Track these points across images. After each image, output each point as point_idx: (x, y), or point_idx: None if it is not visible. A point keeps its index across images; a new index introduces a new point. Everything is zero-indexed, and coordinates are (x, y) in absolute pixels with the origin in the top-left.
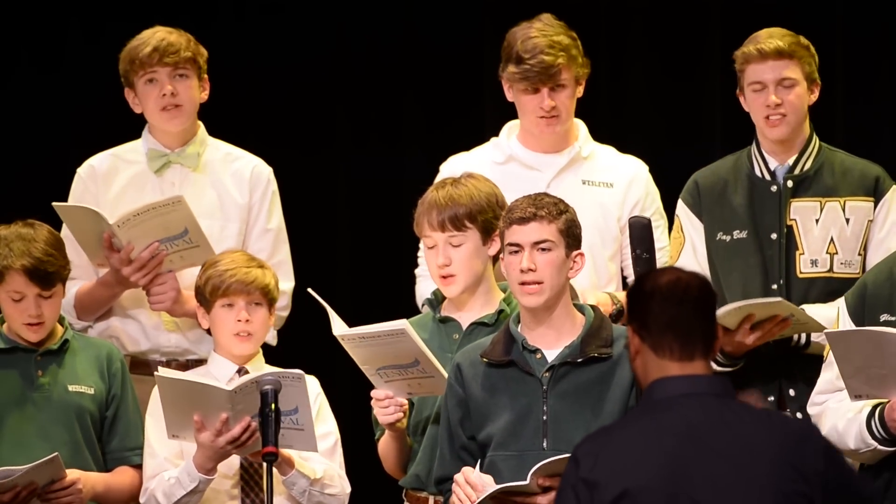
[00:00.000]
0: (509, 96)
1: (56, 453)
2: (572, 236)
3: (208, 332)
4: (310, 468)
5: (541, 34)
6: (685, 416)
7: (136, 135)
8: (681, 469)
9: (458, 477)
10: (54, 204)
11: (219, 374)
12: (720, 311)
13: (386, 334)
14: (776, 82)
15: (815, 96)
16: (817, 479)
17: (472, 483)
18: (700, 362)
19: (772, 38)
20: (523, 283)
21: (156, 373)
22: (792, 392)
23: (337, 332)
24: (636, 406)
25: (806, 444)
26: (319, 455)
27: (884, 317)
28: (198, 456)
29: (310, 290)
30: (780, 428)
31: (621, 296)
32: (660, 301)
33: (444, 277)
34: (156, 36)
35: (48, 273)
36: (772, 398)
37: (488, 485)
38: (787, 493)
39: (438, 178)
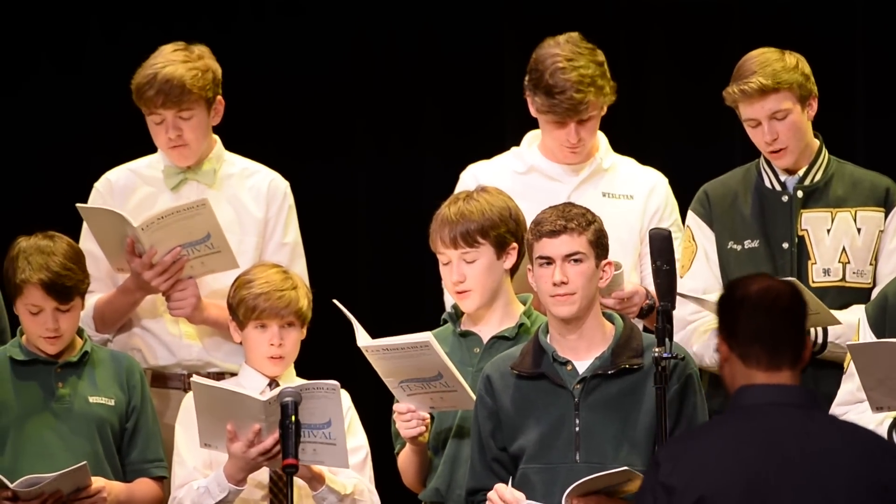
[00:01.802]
0: (532, 111)
1: (84, 462)
2: (601, 246)
3: (240, 343)
4: (340, 483)
5: (570, 66)
6: (767, 425)
7: None
8: (758, 479)
9: (492, 495)
10: (78, 206)
11: (250, 385)
12: None
13: (410, 346)
14: (768, 117)
15: (813, 110)
16: None
17: (508, 501)
18: (787, 372)
19: (755, 74)
20: (555, 295)
21: (192, 379)
22: None
23: (361, 344)
24: (724, 411)
25: (892, 459)
26: (350, 469)
27: None
28: (229, 466)
29: (335, 300)
30: (865, 443)
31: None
32: (749, 310)
33: (459, 293)
34: (162, 72)
35: (66, 287)
36: None
37: (522, 501)
38: None
39: (458, 186)
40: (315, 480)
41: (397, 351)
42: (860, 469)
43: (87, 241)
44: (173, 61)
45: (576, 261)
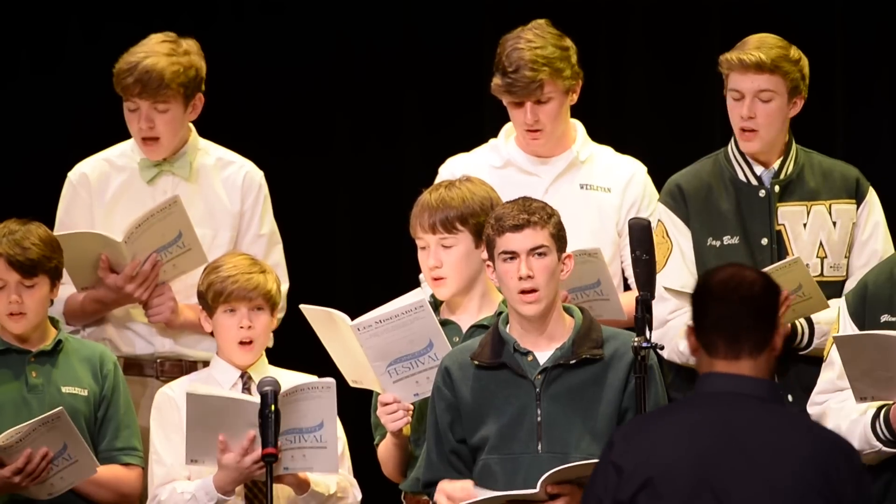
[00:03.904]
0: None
1: (60, 408)
2: (562, 239)
3: (211, 334)
4: (324, 484)
5: (527, 47)
6: (723, 414)
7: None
8: (707, 467)
9: (438, 498)
10: (56, 235)
11: (221, 378)
12: None
13: (404, 312)
14: (754, 94)
15: (796, 108)
16: (849, 501)
17: (458, 498)
18: (747, 362)
19: (757, 49)
20: (522, 291)
21: (187, 390)
22: (790, 398)
23: (353, 323)
24: (685, 396)
25: (845, 461)
26: None
27: (884, 317)
28: (219, 477)
29: (301, 306)
30: (820, 441)
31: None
32: (709, 299)
33: (435, 279)
34: (144, 63)
35: (29, 260)
36: None
37: (474, 492)
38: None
39: (437, 180)
40: (301, 486)
41: (391, 321)
42: (810, 466)
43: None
44: (157, 52)
45: (540, 254)
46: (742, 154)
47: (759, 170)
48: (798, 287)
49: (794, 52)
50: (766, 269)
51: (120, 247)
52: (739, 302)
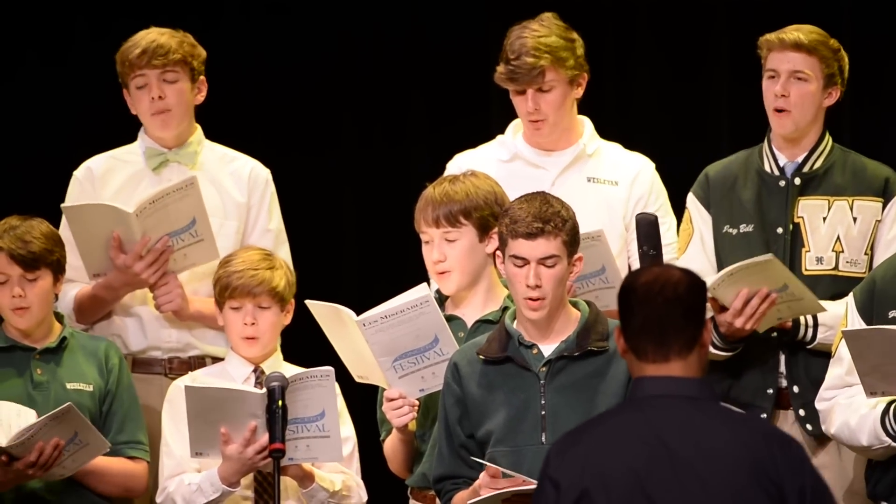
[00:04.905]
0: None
1: (69, 403)
2: (574, 244)
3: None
4: (329, 480)
5: (531, 35)
6: (654, 418)
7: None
8: (642, 474)
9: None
10: (64, 206)
11: (235, 372)
12: (712, 283)
13: (409, 307)
14: (789, 73)
15: (832, 99)
16: (793, 489)
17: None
18: (677, 363)
19: (797, 30)
20: (529, 298)
21: (185, 384)
22: (796, 389)
23: (358, 318)
24: (616, 404)
25: (782, 452)
26: (337, 462)
27: (892, 313)
28: (223, 468)
29: (307, 301)
30: (753, 435)
31: None
32: (635, 302)
33: (439, 273)
34: (147, 38)
35: (31, 254)
36: (770, 391)
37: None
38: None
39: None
40: (306, 479)
41: (396, 316)
42: (746, 462)
43: (67, 233)
44: (157, 32)
45: (550, 265)
46: (771, 146)
47: (783, 161)
48: (784, 287)
49: (834, 42)
50: (737, 265)
51: (130, 219)
52: (665, 303)
